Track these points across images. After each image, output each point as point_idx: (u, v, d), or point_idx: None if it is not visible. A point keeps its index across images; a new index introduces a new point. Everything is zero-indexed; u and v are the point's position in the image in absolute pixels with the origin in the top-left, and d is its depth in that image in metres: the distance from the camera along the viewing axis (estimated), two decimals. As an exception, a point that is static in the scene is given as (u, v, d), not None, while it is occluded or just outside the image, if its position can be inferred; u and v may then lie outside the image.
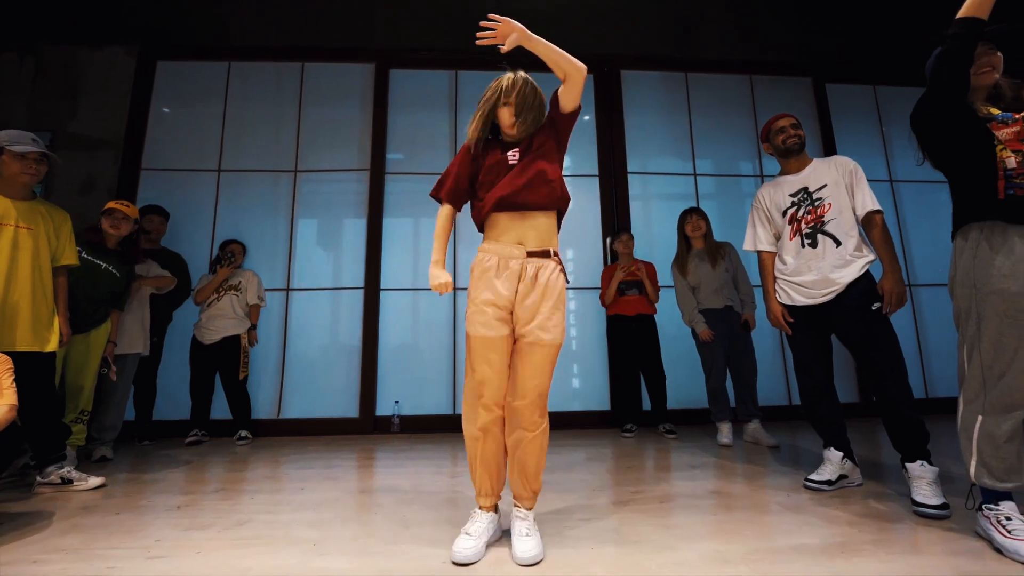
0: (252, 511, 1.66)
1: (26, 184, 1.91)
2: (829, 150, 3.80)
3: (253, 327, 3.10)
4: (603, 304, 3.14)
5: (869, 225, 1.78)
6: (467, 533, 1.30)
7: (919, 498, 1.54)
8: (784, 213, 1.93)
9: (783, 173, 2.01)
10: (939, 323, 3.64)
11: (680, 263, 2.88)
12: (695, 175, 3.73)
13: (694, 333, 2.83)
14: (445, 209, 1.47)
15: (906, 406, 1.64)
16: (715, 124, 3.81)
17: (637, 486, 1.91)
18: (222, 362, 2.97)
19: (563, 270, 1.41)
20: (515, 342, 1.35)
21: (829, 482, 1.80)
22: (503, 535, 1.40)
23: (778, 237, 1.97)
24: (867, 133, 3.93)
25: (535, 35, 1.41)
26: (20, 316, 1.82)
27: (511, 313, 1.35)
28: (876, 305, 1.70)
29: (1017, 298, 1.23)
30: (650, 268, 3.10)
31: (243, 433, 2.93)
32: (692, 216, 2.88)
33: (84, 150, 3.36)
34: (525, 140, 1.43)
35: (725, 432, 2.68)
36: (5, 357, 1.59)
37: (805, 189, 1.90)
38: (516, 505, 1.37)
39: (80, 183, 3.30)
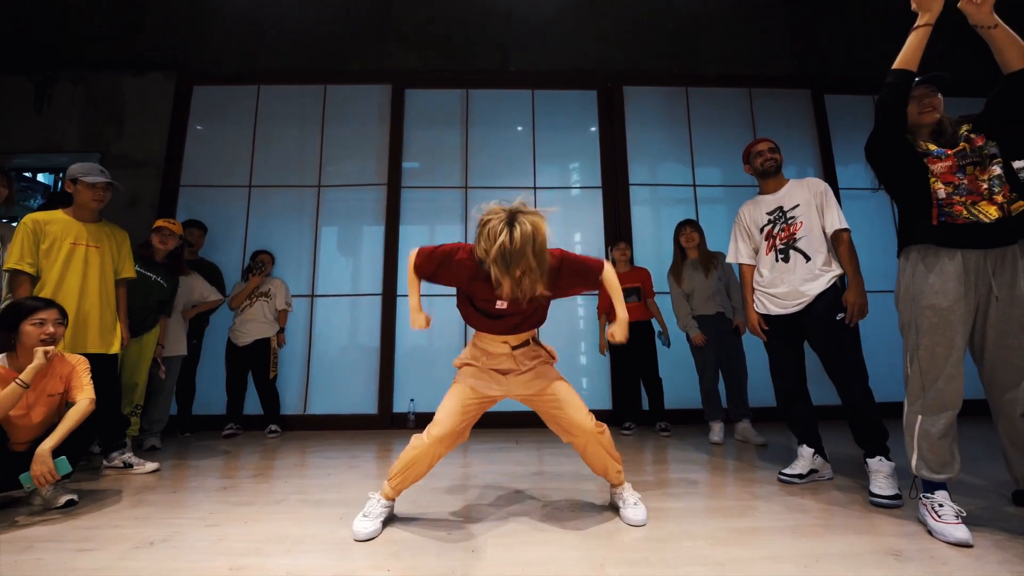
0: (286, 492, 1.93)
1: (94, 210, 2.21)
2: (828, 160, 3.93)
3: (282, 330, 3.39)
4: (599, 313, 3.34)
5: (837, 242, 1.95)
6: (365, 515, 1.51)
7: (875, 489, 1.72)
8: (761, 230, 2.11)
9: (762, 192, 2.19)
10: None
11: (675, 272, 3.07)
12: (694, 186, 3.90)
13: (688, 337, 3.01)
14: (414, 271, 1.60)
15: (867, 407, 1.81)
16: (715, 136, 3.97)
17: (631, 476, 2.10)
18: (254, 362, 3.26)
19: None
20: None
21: (800, 476, 1.97)
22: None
23: (757, 251, 2.16)
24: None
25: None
26: (91, 323, 2.12)
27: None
28: (840, 315, 1.87)
29: (946, 312, 1.41)
30: (644, 274, 3.28)
31: (273, 427, 3.22)
32: (686, 228, 3.06)
33: (129, 168, 3.70)
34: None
35: (717, 431, 2.86)
36: (84, 359, 1.89)
37: (780, 208, 2.08)
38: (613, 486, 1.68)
39: (126, 200, 3.64)
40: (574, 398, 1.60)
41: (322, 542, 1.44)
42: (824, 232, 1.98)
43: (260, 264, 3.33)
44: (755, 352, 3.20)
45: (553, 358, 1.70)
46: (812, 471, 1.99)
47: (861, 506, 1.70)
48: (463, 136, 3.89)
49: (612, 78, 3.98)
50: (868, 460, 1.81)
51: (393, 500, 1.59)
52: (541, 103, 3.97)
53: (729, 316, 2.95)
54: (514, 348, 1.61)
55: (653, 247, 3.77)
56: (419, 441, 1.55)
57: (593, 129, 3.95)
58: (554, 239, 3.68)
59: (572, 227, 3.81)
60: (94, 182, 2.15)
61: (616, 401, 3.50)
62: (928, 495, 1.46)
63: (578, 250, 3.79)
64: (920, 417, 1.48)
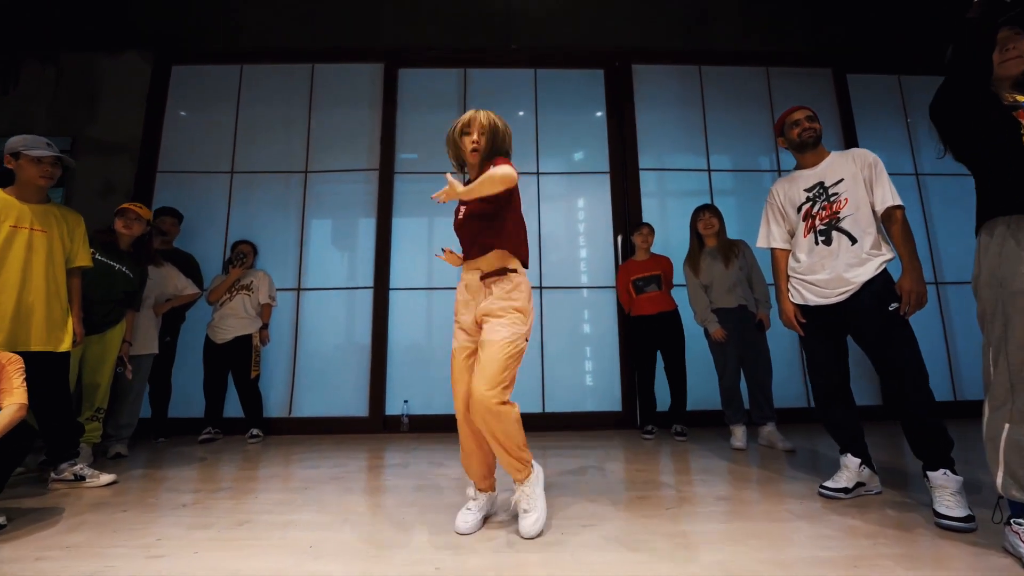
0: (255, 511, 1.67)
1: (41, 188, 1.95)
2: (851, 143, 3.66)
3: (265, 326, 3.14)
4: (624, 308, 3.10)
5: (889, 221, 1.69)
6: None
7: (942, 509, 1.46)
8: (799, 209, 1.85)
9: (798, 167, 1.93)
10: (968, 323, 3.47)
11: (692, 261, 2.81)
12: (709, 171, 3.63)
13: (706, 333, 2.75)
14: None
15: (926, 411, 1.55)
16: (730, 118, 3.71)
17: (645, 490, 1.86)
18: (234, 361, 3.01)
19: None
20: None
21: (846, 490, 1.71)
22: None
23: (792, 234, 1.89)
24: (891, 125, 3.77)
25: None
26: (35, 317, 1.87)
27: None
28: (894, 305, 1.61)
29: (1049, 298, 1.15)
30: (666, 263, 3.03)
31: (254, 431, 2.97)
32: (704, 213, 2.80)
33: (103, 154, 3.45)
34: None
35: (739, 435, 2.60)
36: (17, 357, 1.63)
37: (821, 184, 1.81)
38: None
39: (99, 186, 3.39)
40: (495, 358, 1.39)
41: (283, 579, 1.18)
42: (873, 210, 1.71)
43: (241, 255, 3.08)
44: (777, 348, 2.96)
45: (525, 313, 1.49)
46: (858, 484, 1.73)
47: (925, 529, 1.44)
48: (460, 119, 3.62)
49: (620, 56, 3.71)
50: (929, 474, 1.55)
51: (485, 491, 1.56)
52: (545, 83, 3.71)
53: (752, 309, 2.69)
54: (483, 276, 1.53)
55: (661, 235, 3.49)
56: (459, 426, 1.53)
57: (599, 114, 3.68)
58: (560, 226, 3.37)
59: (578, 214, 3.55)
60: (39, 156, 1.89)
61: (627, 402, 3.26)
62: (1020, 520, 1.20)
63: (584, 239, 3.53)
64: (1008, 426, 1.22)
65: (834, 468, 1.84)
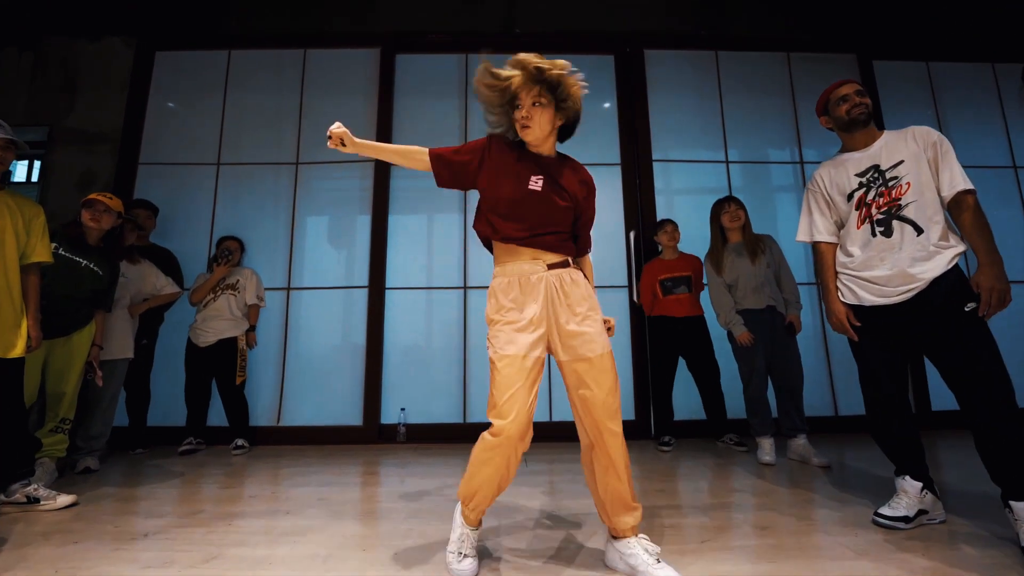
0: (225, 543, 1.45)
1: (-9, 174, 1.74)
2: (877, 133, 3.43)
3: (252, 328, 2.92)
4: (645, 310, 2.87)
5: (959, 208, 1.46)
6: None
7: (1033, 548, 1.23)
8: (849, 196, 1.62)
9: (845, 150, 1.70)
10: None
11: (714, 258, 2.58)
12: (727, 162, 3.41)
13: (730, 336, 2.52)
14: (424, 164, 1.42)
15: (1011, 429, 1.33)
16: (749, 107, 3.48)
17: (670, 516, 1.63)
18: (218, 366, 2.79)
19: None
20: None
21: (906, 519, 1.49)
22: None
23: (840, 225, 1.67)
24: (920, 115, 3.53)
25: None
26: (-19, 318, 1.65)
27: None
28: (970, 305, 1.38)
29: None
30: (696, 263, 2.81)
31: (239, 442, 2.75)
32: (730, 205, 2.57)
33: (82, 144, 3.24)
34: None
35: (767, 448, 2.37)
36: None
37: (876, 167, 1.59)
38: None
39: (78, 178, 3.18)
40: (610, 373, 1.24)
41: (245, 643, 0.96)
42: (940, 195, 1.49)
43: (226, 252, 2.86)
44: (802, 351, 2.72)
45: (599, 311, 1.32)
46: (920, 512, 1.51)
47: (1013, 572, 1.21)
48: (462, 108, 3.41)
49: (631, 41, 3.49)
50: (1013, 504, 1.32)
51: (476, 526, 1.27)
52: (551, 70, 3.48)
53: (781, 310, 2.47)
54: (551, 267, 1.27)
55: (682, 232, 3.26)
56: (488, 442, 1.18)
57: (607, 105, 3.46)
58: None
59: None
60: (-12, 138, 1.68)
61: (642, 410, 3.03)
62: None
63: (596, 237, 3.30)
64: None
65: (878, 485, 1.63)
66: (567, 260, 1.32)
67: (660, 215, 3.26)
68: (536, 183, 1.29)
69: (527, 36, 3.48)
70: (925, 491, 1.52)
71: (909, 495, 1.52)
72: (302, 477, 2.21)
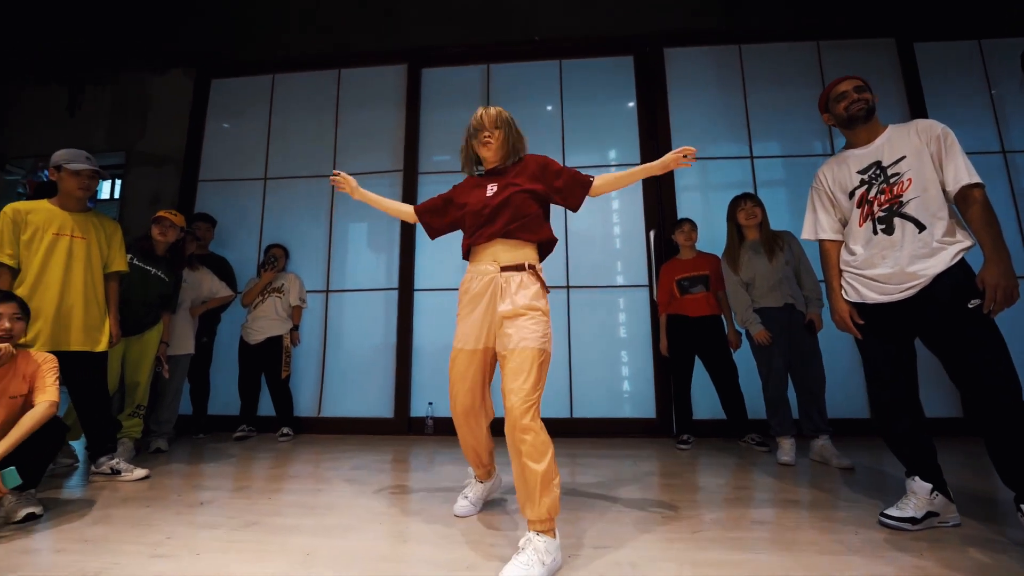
0: (264, 512, 1.67)
1: (80, 199, 2.07)
2: (920, 121, 3.24)
3: (295, 327, 3.21)
4: (661, 308, 2.90)
5: (965, 202, 1.42)
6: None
7: (1040, 552, 1.20)
8: (851, 194, 1.61)
9: (849, 146, 1.69)
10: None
11: (731, 256, 2.58)
12: (752, 158, 3.34)
13: (748, 335, 2.51)
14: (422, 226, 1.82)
15: (1019, 432, 1.29)
16: (776, 101, 3.39)
17: (674, 509, 1.68)
18: (266, 361, 3.10)
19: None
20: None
21: (913, 520, 1.47)
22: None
23: (844, 223, 1.66)
24: (970, 98, 3.30)
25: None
26: (74, 319, 1.98)
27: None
28: (974, 302, 1.35)
29: None
30: (715, 262, 2.81)
31: (284, 430, 3.04)
32: (746, 202, 2.55)
33: (152, 166, 3.67)
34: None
35: (786, 449, 2.34)
36: (52, 357, 1.72)
37: (878, 163, 1.57)
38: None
39: (149, 196, 3.61)
40: (525, 365, 1.31)
41: (272, 590, 1.14)
42: (945, 191, 1.46)
43: (272, 259, 3.16)
44: (832, 351, 2.64)
45: (545, 313, 1.41)
46: (929, 514, 1.48)
47: None
48: (485, 116, 3.55)
49: (650, 40, 3.50)
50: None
51: (480, 480, 1.67)
52: (570, 74, 3.56)
53: (801, 309, 2.43)
54: (503, 268, 1.44)
55: (702, 230, 3.23)
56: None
57: (631, 104, 3.49)
58: (587, 223, 3.19)
59: (605, 211, 3.37)
60: (78, 169, 2.00)
61: (663, 408, 3.05)
62: None
63: (614, 236, 3.35)
64: None
65: (899, 488, 1.59)
66: (523, 264, 1.45)
67: (686, 212, 3.25)
68: (492, 190, 1.52)
69: (546, 43, 3.58)
70: (935, 493, 1.49)
71: (918, 496, 1.50)
72: (336, 462, 2.43)
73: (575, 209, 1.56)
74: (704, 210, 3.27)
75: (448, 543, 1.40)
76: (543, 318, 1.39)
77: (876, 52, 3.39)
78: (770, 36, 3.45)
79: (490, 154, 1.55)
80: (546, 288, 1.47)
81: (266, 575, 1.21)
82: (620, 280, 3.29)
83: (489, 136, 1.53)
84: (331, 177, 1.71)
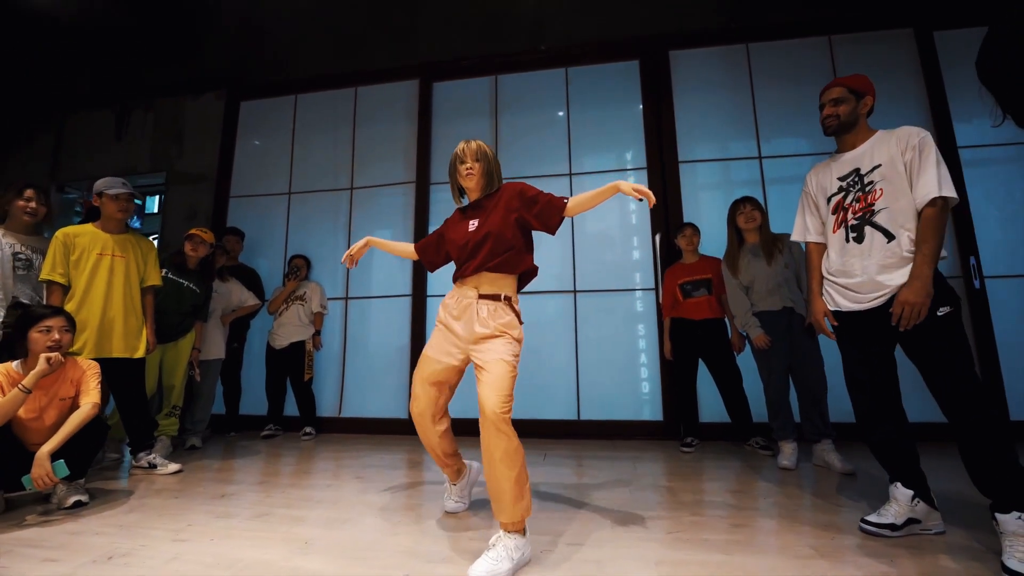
0: (276, 504, 1.84)
1: (120, 220, 2.32)
2: (941, 117, 3.11)
3: (317, 333, 3.43)
4: (664, 312, 2.93)
5: (922, 212, 1.41)
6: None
7: (1012, 564, 1.20)
8: (829, 200, 1.62)
9: (838, 150, 1.69)
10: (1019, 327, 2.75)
11: (731, 260, 2.58)
12: (760, 158, 3.30)
13: (748, 339, 2.51)
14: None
15: (990, 438, 1.28)
16: (785, 99, 3.33)
17: (657, 510, 1.74)
18: (290, 365, 3.32)
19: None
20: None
21: (892, 526, 1.47)
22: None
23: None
24: (998, 86, 3.13)
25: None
26: (115, 329, 2.22)
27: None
28: (943, 310, 1.35)
29: None
30: (717, 265, 2.81)
31: (307, 430, 3.25)
32: (745, 206, 2.55)
33: (188, 184, 3.99)
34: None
35: (787, 452, 2.33)
36: (95, 364, 1.95)
37: (857, 171, 1.57)
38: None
39: (186, 212, 3.93)
40: (500, 379, 1.42)
41: (268, 570, 1.29)
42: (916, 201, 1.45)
43: (295, 268, 3.39)
44: (837, 355, 2.59)
45: (517, 339, 1.53)
46: (911, 521, 1.48)
47: (985, 583, 1.19)
48: (492, 125, 3.67)
49: (655, 44, 3.51)
50: (999, 516, 1.28)
51: (453, 482, 1.79)
52: (577, 81, 3.62)
53: (801, 312, 2.40)
54: (481, 296, 1.55)
55: (709, 233, 3.22)
56: None
57: (638, 108, 3.51)
58: (593, 226, 3.27)
59: (610, 215, 3.41)
60: (116, 193, 2.25)
61: (671, 411, 3.07)
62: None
63: (620, 240, 3.39)
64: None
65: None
66: (499, 296, 1.55)
67: (693, 215, 3.25)
68: (473, 225, 1.61)
69: (553, 51, 3.65)
70: (916, 500, 1.48)
71: (899, 503, 1.50)
72: (351, 460, 2.60)
73: (552, 232, 1.61)
74: (711, 213, 3.26)
75: (430, 537, 1.52)
76: (515, 342, 1.50)
77: (892, 44, 3.28)
78: (779, 33, 3.39)
79: (471, 184, 1.64)
80: (520, 319, 1.57)
81: (266, 559, 1.36)
82: (627, 284, 3.33)
83: (470, 169, 1.62)
84: (345, 263, 1.84)
